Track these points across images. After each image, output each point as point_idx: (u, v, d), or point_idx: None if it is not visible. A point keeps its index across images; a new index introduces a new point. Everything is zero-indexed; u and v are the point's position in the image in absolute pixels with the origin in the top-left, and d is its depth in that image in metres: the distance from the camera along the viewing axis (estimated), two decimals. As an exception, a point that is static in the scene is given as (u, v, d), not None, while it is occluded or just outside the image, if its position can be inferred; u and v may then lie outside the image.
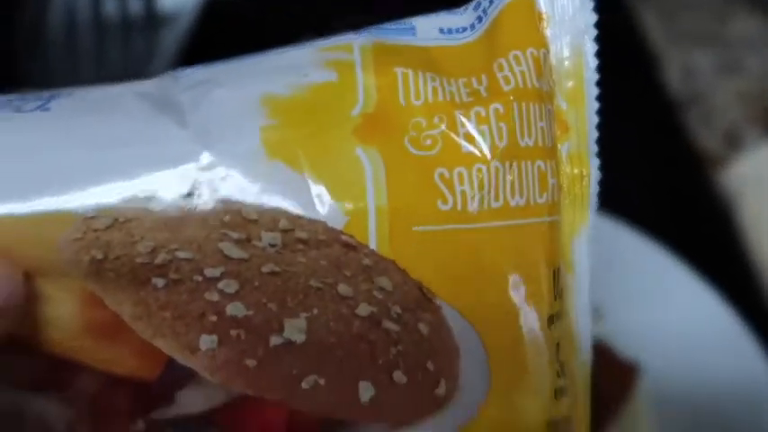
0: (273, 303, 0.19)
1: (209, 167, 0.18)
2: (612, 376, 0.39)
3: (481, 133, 0.19)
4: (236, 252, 0.18)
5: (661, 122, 0.55)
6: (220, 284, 0.18)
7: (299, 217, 0.18)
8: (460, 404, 0.20)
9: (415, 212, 0.19)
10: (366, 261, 0.19)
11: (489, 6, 0.21)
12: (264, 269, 0.18)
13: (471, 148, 0.19)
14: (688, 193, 0.51)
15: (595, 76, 0.21)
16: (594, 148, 0.21)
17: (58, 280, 0.18)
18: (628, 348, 0.40)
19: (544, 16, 0.21)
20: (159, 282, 0.18)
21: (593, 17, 0.21)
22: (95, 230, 0.18)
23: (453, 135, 0.19)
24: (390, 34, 0.21)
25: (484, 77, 0.20)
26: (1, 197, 0.18)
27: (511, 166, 0.19)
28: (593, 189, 0.21)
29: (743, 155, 0.54)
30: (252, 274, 0.18)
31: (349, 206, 0.18)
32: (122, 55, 0.48)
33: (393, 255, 0.19)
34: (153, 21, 0.47)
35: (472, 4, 0.22)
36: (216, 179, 0.18)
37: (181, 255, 0.18)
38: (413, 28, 0.21)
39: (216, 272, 0.18)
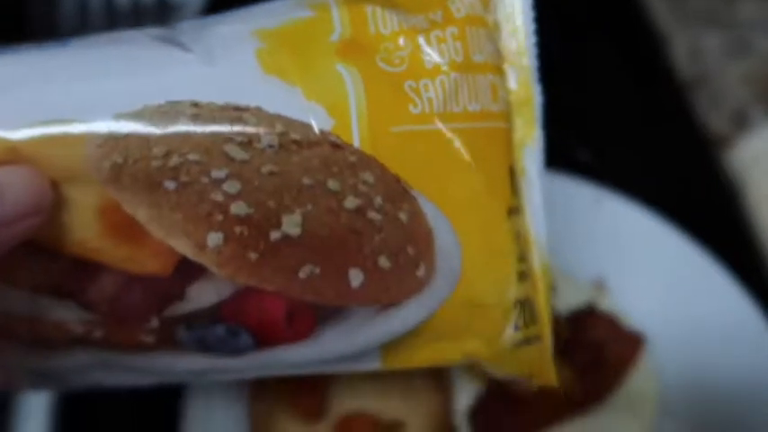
0: (272, 201, 0.21)
1: (213, 79, 0.21)
2: (619, 346, 0.42)
3: (440, 51, 0.23)
4: (239, 154, 0.21)
5: (669, 103, 0.55)
6: (225, 186, 0.21)
7: (292, 121, 0.21)
8: (438, 284, 0.23)
9: (390, 116, 0.22)
10: (351, 158, 0.22)
11: None
12: (264, 170, 0.21)
13: (434, 63, 0.22)
14: (696, 173, 0.51)
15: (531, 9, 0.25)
16: (536, 75, 0.25)
17: (82, 187, 0.20)
18: (633, 319, 0.42)
19: None
20: (171, 185, 0.21)
21: None
22: (116, 138, 0.20)
23: (418, 53, 0.23)
24: None
25: (439, 11, 0.24)
26: (28, 118, 0.20)
27: (467, 77, 0.23)
28: (538, 107, 0.25)
29: (749, 135, 0.53)
30: (252, 175, 0.21)
31: (335, 111, 0.21)
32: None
33: (374, 152, 0.22)
34: (164, 8, 0.49)
35: None
36: (220, 89, 0.21)
37: (191, 157, 0.21)
38: None
39: (221, 173, 0.21)
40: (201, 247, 0.21)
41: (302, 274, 0.22)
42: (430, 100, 0.22)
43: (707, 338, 0.43)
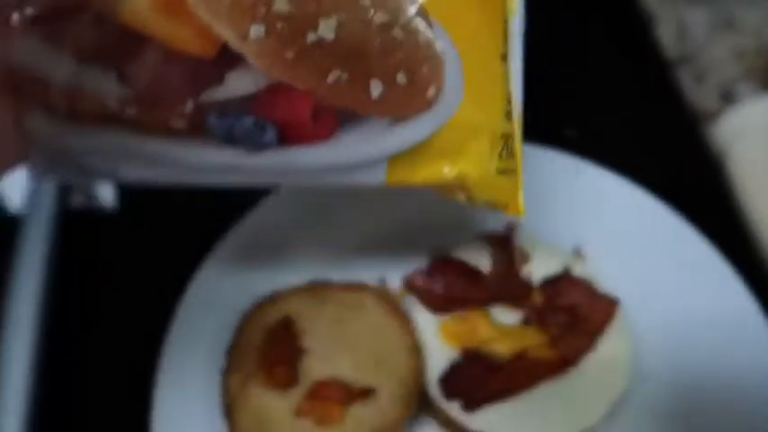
0: (312, 3, 0.23)
1: None
2: (593, 309, 0.44)
3: None
4: (288, -48, 0.23)
5: (656, 80, 0.55)
6: (271, -19, 0.23)
7: None
8: (444, 105, 0.25)
9: None
10: (385, -25, 0.24)
11: None
12: (308, -27, 0.23)
13: None
14: (683, 150, 0.52)
15: None
16: None
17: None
18: (608, 284, 0.44)
19: None
20: (223, -29, 0.22)
21: None
22: None
23: None
24: None
25: None
26: None
27: None
28: None
29: (732, 109, 0.54)
30: (297, -24, 0.23)
31: None
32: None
33: (403, -24, 0.24)
34: None
35: None
36: None
37: (246, -53, 0.22)
38: None
39: (269, -31, 0.23)
40: (244, 36, 0.23)
41: (331, 78, 0.24)
42: None
43: (682, 303, 0.45)
